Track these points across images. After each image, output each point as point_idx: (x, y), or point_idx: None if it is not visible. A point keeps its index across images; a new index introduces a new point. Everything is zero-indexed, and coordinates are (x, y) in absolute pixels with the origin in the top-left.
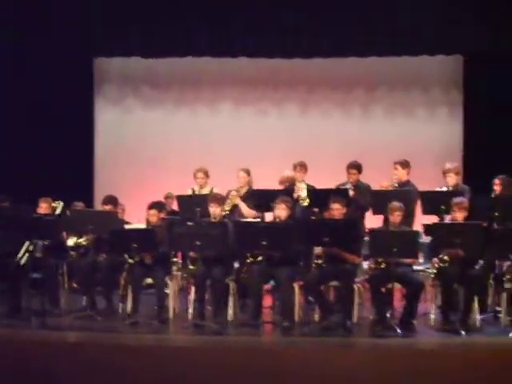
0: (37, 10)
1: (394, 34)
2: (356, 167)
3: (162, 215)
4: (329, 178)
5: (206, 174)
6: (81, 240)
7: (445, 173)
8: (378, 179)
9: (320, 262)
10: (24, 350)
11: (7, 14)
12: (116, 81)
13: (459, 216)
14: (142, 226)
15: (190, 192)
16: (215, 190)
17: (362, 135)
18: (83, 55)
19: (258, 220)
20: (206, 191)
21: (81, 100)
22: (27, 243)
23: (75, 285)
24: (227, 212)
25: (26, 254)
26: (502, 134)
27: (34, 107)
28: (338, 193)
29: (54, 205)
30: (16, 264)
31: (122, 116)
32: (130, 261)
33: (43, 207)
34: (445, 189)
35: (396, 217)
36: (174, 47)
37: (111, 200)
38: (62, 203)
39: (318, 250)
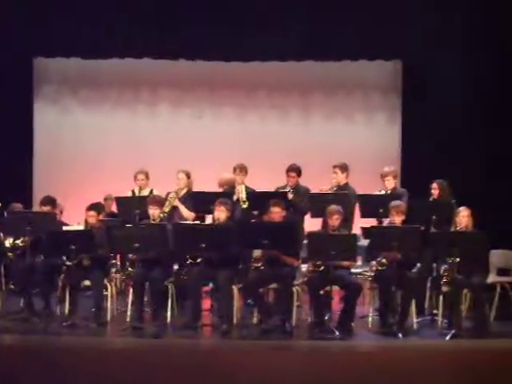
0: None
1: (333, 39)
2: (295, 170)
3: (101, 217)
4: (268, 181)
5: (147, 176)
6: (18, 241)
7: (383, 176)
8: (317, 183)
9: (259, 265)
10: None
11: None
12: (55, 81)
13: (397, 219)
14: (81, 227)
15: (129, 193)
16: (155, 192)
17: (300, 139)
18: (22, 55)
19: (197, 222)
20: (145, 193)
21: (20, 100)
22: None
23: (12, 286)
24: (166, 214)
25: None
26: (439, 139)
27: None
28: (278, 196)
29: None
30: None
31: (61, 117)
32: (68, 263)
33: None
34: (383, 192)
35: (334, 220)
36: (114, 49)
37: (49, 201)
38: None
39: (256, 252)
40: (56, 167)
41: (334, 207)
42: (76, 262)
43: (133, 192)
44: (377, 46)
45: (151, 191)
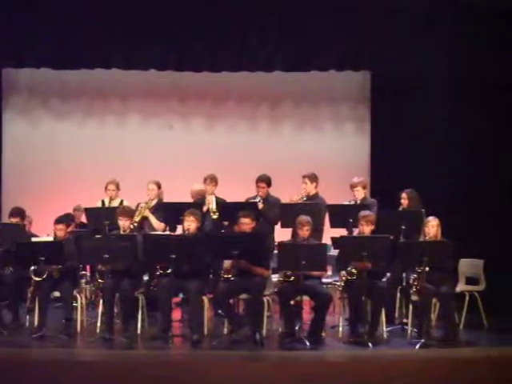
0: None
1: (301, 50)
2: (265, 181)
3: (70, 229)
4: (238, 191)
5: (117, 186)
6: None
7: (352, 187)
8: (287, 193)
9: (229, 276)
10: None
11: None
12: (24, 92)
13: (366, 229)
14: (50, 238)
15: (99, 204)
16: (125, 203)
17: (269, 149)
18: None
19: (167, 233)
20: (116, 203)
21: None
22: None
23: None
24: (136, 224)
25: None
26: (407, 149)
27: None
28: (248, 206)
29: None
30: None
31: (30, 128)
32: (37, 278)
33: None
34: (353, 202)
35: (305, 231)
36: (83, 59)
37: (19, 212)
38: None
39: (226, 264)
40: (25, 178)
41: (304, 218)
42: (45, 276)
43: (103, 202)
44: (345, 57)
45: (121, 202)
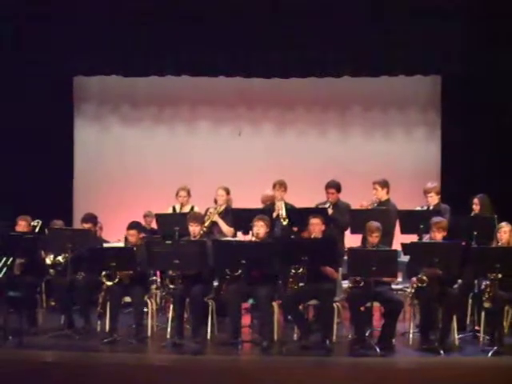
0: (17, 28)
1: (371, 55)
2: (334, 187)
3: (142, 235)
4: (306, 197)
5: (188, 193)
6: (59, 258)
7: (426, 192)
8: (356, 199)
9: (298, 273)
10: (1, 368)
11: None
12: (95, 99)
13: (438, 236)
14: (121, 244)
15: (170, 210)
16: (196, 209)
17: (338, 155)
18: (63, 74)
19: (237, 238)
20: (187, 209)
21: (60, 118)
22: (4, 258)
23: (53, 303)
24: (205, 228)
25: (4, 269)
26: (478, 154)
27: (13, 125)
28: (317, 212)
29: (32, 223)
30: None
31: (101, 134)
32: (108, 283)
33: (22, 225)
34: (425, 208)
35: (374, 238)
36: (153, 66)
37: (91, 218)
38: (40, 222)
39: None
40: (96, 184)
41: (373, 224)
42: (116, 281)
43: (173, 208)
44: (415, 61)
45: (192, 208)
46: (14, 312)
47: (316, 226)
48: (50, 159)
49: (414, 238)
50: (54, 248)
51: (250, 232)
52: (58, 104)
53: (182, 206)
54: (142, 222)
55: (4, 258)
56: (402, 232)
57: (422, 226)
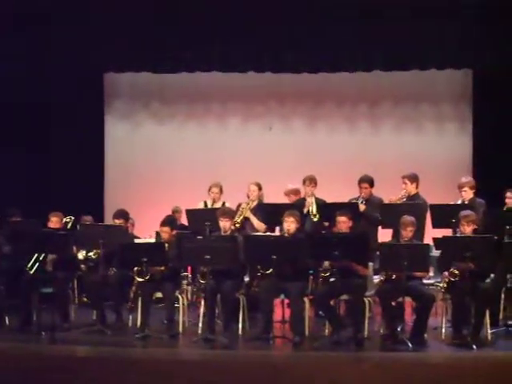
0: (49, 25)
1: (402, 48)
2: (367, 181)
3: (174, 232)
4: (337, 192)
5: (221, 189)
6: (90, 253)
7: (460, 187)
8: (387, 193)
9: (327, 274)
10: (34, 364)
11: (20, 29)
12: (126, 96)
13: (467, 229)
14: (152, 240)
15: (201, 205)
16: (227, 205)
17: (369, 150)
18: (93, 70)
19: (268, 234)
20: (218, 205)
21: (91, 115)
22: (37, 254)
23: (85, 299)
24: (238, 223)
25: (36, 264)
26: (510, 148)
27: (45, 122)
28: (348, 206)
29: (65, 219)
30: (26, 273)
31: (131, 131)
32: (139, 279)
33: (54, 221)
34: (460, 202)
35: (408, 232)
36: (183, 62)
37: (122, 214)
38: (72, 218)
39: (325, 263)
40: (126, 180)
41: (407, 218)
42: (148, 277)
43: (205, 203)
44: (446, 55)
45: (223, 204)
46: (47, 308)
47: (343, 224)
48: (81, 156)
49: (444, 232)
50: (85, 244)
51: (278, 227)
52: (88, 101)
53: (213, 202)
54: None
55: (36, 255)
56: (434, 226)
57: (453, 221)
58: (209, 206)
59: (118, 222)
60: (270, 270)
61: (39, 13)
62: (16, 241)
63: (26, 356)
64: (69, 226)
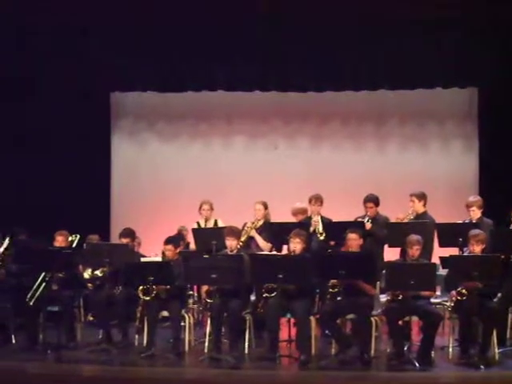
0: (54, 44)
1: (407, 67)
2: (373, 201)
3: (178, 250)
4: (343, 211)
5: (211, 207)
6: (97, 272)
7: (468, 206)
8: (393, 212)
9: (335, 290)
10: (40, 383)
11: (21, 47)
12: (132, 115)
13: (476, 248)
14: (158, 259)
15: (195, 226)
16: (220, 222)
17: (375, 168)
18: (100, 90)
19: (274, 253)
20: (210, 224)
21: (98, 134)
22: (43, 274)
23: (91, 318)
24: (242, 243)
25: (42, 285)
26: None
27: (51, 141)
28: (354, 225)
29: (70, 238)
30: (29, 300)
31: (137, 150)
32: (145, 298)
33: (59, 240)
34: (467, 222)
35: (415, 251)
36: (189, 82)
37: (129, 233)
38: (78, 236)
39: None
40: (133, 199)
41: (414, 237)
42: (153, 296)
43: (198, 224)
44: (451, 74)
45: (216, 222)
46: (53, 326)
47: (353, 241)
48: (88, 174)
49: (451, 251)
50: (91, 262)
51: (285, 246)
52: (95, 120)
53: (206, 220)
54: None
55: (43, 273)
56: (441, 245)
57: (460, 240)
58: (202, 225)
59: (124, 240)
60: (274, 294)
61: (47, 29)
62: (22, 259)
63: (32, 375)
64: (74, 244)
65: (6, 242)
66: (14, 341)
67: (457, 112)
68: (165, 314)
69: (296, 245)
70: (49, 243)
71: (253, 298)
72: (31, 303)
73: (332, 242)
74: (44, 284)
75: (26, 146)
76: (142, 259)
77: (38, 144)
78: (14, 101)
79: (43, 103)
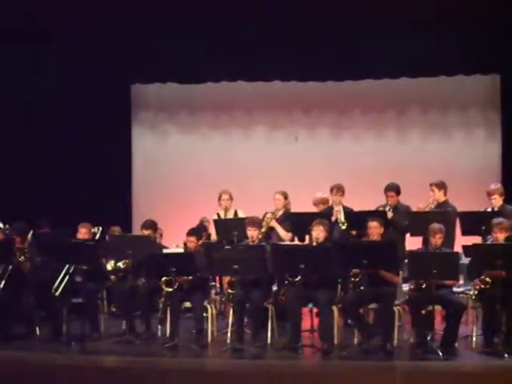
0: (75, 37)
1: (429, 54)
2: (393, 189)
3: (201, 242)
4: (364, 200)
5: (231, 196)
6: (119, 263)
7: (489, 194)
8: (415, 201)
9: (357, 279)
10: (64, 374)
11: (48, 41)
12: (152, 107)
13: (500, 236)
14: (180, 250)
15: (215, 217)
16: (240, 213)
17: (396, 158)
18: (120, 82)
19: (296, 243)
20: (230, 215)
21: (119, 126)
22: (67, 266)
23: (114, 309)
24: (262, 234)
25: (66, 278)
26: None
27: (72, 133)
28: (376, 214)
29: (93, 230)
30: (55, 292)
31: (158, 141)
32: (168, 289)
33: (82, 232)
34: (490, 210)
35: (437, 239)
36: (209, 73)
37: (151, 225)
38: (101, 228)
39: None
40: (153, 190)
41: (436, 226)
42: (176, 287)
43: (218, 215)
44: (474, 61)
45: (235, 213)
46: (77, 318)
47: (374, 230)
48: (110, 167)
49: (474, 239)
50: (114, 254)
51: (307, 237)
52: (116, 112)
53: (225, 210)
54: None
55: (66, 266)
56: (463, 234)
57: (483, 228)
58: (221, 216)
59: (146, 232)
60: (298, 278)
61: (66, 25)
62: (46, 252)
63: (56, 366)
64: (97, 236)
65: (30, 235)
66: (38, 333)
67: (479, 99)
68: (187, 304)
69: (319, 233)
70: (72, 236)
71: (275, 288)
72: (56, 295)
73: (354, 232)
74: (68, 276)
75: (48, 139)
76: (164, 250)
77: (60, 137)
78: (40, 94)
79: (64, 96)
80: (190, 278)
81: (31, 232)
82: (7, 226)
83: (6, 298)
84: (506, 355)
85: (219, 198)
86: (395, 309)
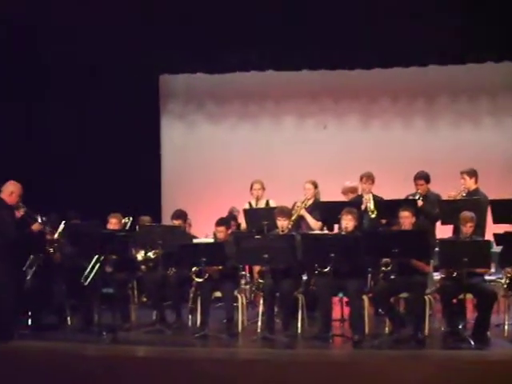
0: (102, 28)
1: (457, 42)
2: (423, 178)
3: (230, 231)
4: (394, 189)
5: (262, 186)
6: (149, 253)
7: None
8: (444, 189)
9: (388, 269)
10: (95, 363)
11: (75, 32)
12: (181, 97)
13: None
14: (210, 240)
15: (247, 206)
16: (271, 202)
17: (425, 145)
18: (149, 72)
19: (326, 232)
20: (262, 204)
21: (147, 116)
22: (97, 256)
23: (145, 299)
24: (292, 223)
25: (96, 267)
26: None
27: (101, 125)
28: (406, 203)
29: (123, 220)
30: (84, 281)
31: (187, 131)
32: (198, 279)
33: (113, 223)
34: None
35: (468, 228)
36: (238, 62)
37: (181, 215)
38: (131, 218)
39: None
40: (182, 180)
41: (467, 214)
42: (206, 277)
43: (250, 204)
44: (503, 47)
45: (267, 202)
46: (108, 308)
47: (406, 219)
48: (138, 157)
49: (505, 227)
50: (144, 244)
51: (336, 226)
52: (144, 102)
53: (257, 199)
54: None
55: (96, 256)
56: (495, 222)
57: None
58: (253, 205)
59: (176, 222)
60: (328, 268)
61: (96, 16)
62: (77, 242)
63: (87, 356)
64: (127, 226)
65: (61, 226)
66: (69, 322)
67: (509, 86)
68: (218, 294)
69: (348, 222)
70: (102, 226)
71: (305, 277)
72: (86, 283)
73: (383, 221)
74: (98, 266)
75: (79, 130)
76: (194, 240)
77: (90, 128)
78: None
79: (93, 87)
80: (220, 267)
81: (63, 223)
82: (44, 219)
83: (38, 289)
84: None
85: (251, 188)
86: (426, 298)
